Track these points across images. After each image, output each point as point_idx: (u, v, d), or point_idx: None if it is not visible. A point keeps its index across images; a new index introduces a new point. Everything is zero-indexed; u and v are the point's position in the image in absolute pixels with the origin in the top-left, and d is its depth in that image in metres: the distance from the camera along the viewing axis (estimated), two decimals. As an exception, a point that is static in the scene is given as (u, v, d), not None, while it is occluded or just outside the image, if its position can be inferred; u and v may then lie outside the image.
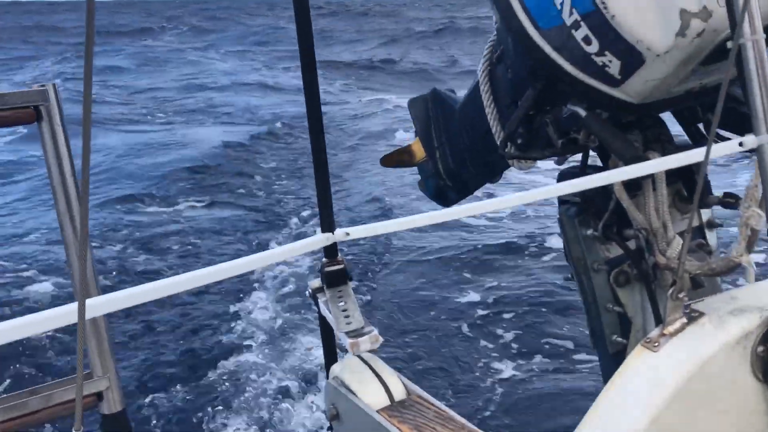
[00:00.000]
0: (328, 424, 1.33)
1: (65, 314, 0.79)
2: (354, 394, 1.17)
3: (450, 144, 2.40)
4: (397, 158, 2.71)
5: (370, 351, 1.27)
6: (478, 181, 2.46)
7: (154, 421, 3.93)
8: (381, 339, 1.22)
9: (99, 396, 1.17)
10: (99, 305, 0.78)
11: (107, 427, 1.21)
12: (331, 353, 1.47)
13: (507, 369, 4.39)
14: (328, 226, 1.31)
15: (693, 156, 1.28)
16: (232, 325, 5.21)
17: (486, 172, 2.37)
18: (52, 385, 1.18)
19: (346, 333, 1.25)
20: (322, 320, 1.43)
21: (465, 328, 4.96)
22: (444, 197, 2.55)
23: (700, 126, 1.80)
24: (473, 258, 6.00)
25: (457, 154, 2.38)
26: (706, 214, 1.89)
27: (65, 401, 1.16)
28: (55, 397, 1.16)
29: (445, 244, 6.28)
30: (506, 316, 5.05)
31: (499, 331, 4.88)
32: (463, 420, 1.08)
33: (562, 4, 1.47)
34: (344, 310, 1.32)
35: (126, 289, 0.87)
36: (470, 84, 2.17)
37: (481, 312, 5.14)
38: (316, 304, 1.42)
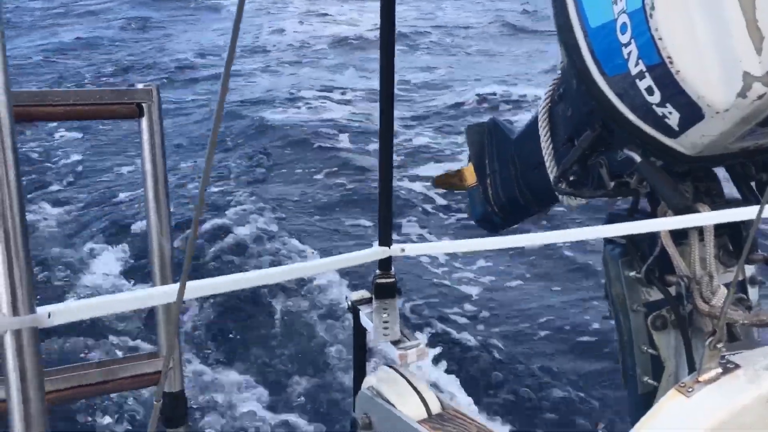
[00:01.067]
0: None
1: (161, 295, 0.88)
2: (392, 404, 1.21)
3: (502, 173, 2.47)
4: (449, 181, 2.79)
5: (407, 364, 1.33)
6: (526, 212, 2.52)
7: (209, 403, 4.21)
8: (428, 352, 1.28)
9: (161, 375, 1.26)
10: (193, 289, 0.87)
11: (166, 404, 1.30)
12: (362, 365, 1.51)
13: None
14: (385, 240, 1.38)
15: (744, 213, 1.33)
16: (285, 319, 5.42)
17: (535, 204, 2.42)
18: (116, 360, 1.28)
19: (393, 343, 1.31)
20: (357, 332, 1.48)
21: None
22: (490, 224, 2.61)
23: (753, 184, 1.84)
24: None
25: (507, 184, 2.44)
26: (749, 270, 1.92)
27: (128, 376, 1.25)
28: (117, 371, 1.25)
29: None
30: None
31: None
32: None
33: (629, 53, 1.54)
34: (385, 322, 1.38)
35: (208, 278, 0.96)
36: (530, 118, 2.24)
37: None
38: (355, 315, 1.46)
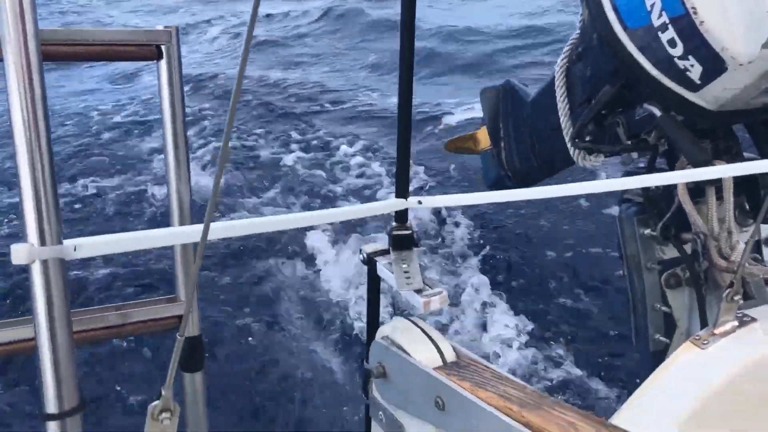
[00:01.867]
0: (362, 383, 1.37)
1: (186, 233, 0.88)
2: (407, 353, 1.21)
3: (516, 136, 2.45)
4: (462, 145, 2.77)
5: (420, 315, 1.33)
6: (539, 175, 2.51)
7: (225, 348, 4.29)
8: (448, 300, 1.28)
9: (179, 318, 1.27)
10: (217, 229, 0.87)
11: (183, 349, 1.31)
12: (375, 315, 1.51)
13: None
14: (402, 192, 1.38)
15: (762, 166, 1.32)
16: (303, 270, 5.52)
17: (548, 167, 2.41)
18: (135, 303, 1.28)
19: (416, 291, 1.30)
20: (372, 283, 1.47)
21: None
22: (503, 188, 2.60)
23: None
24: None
25: (521, 147, 2.42)
26: (765, 230, 1.91)
27: (147, 320, 1.26)
28: (136, 315, 1.26)
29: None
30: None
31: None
32: (522, 382, 1.13)
33: (652, 5, 1.51)
34: (406, 272, 1.38)
35: (232, 220, 0.96)
36: (546, 81, 2.21)
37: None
38: (371, 267, 1.45)
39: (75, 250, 0.83)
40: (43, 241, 0.81)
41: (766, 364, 1.30)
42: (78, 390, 0.84)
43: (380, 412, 1.29)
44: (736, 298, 1.35)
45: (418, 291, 1.31)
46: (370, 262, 1.42)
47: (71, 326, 0.84)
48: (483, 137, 2.62)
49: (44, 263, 0.81)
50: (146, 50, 1.14)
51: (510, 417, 1.00)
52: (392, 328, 1.27)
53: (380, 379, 1.27)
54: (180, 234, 0.91)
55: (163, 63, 1.16)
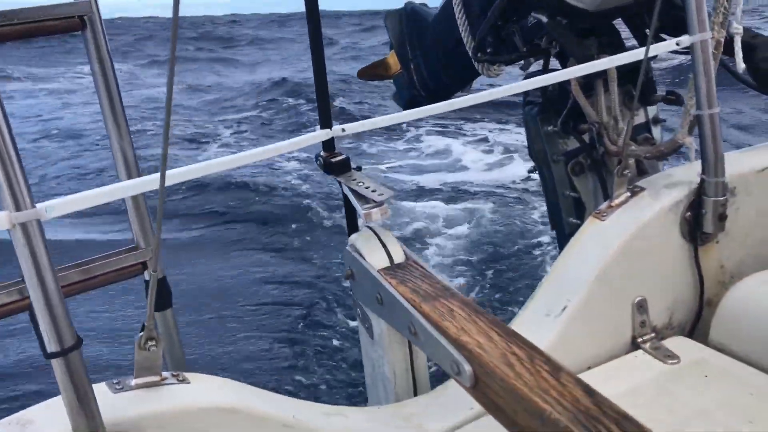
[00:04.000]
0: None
1: (145, 183, 1.00)
2: (363, 257, 1.39)
3: (424, 56, 2.58)
4: (373, 71, 2.89)
5: (383, 223, 1.47)
6: (450, 90, 2.66)
7: (192, 287, 4.45)
8: (389, 212, 1.43)
9: (143, 265, 1.39)
10: (173, 176, 0.99)
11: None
12: (353, 227, 1.66)
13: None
14: (326, 122, 1.51)
15: (636, 54, 1.51)
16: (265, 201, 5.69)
17: (457, 81, 2.56)
18: (98, 257, 1.39)
19: (362, 207, 1.45)
20: (346, 199, 1.61)
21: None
22: (417, 107, 2.75)
23: (648, 31, 2.02)
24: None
25: (430, 66, 2.56)
26: (652, 111, 2.14)
27: (113, 270, 1.37)
28: (100, 268, 1.37)
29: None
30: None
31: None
32: (441, 277, 1.32)
33: None
34: (368, 187, 1.51)
35: (183, 167, 1.09)
36: None
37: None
38: (341, 186, 1.58)
39: (47, 211, 0.95)
40: (17, 207, 0.92)
41: (652, 225, 1.52)
42: (72, 329, 0.97)
43: (358, 309, 1.48)
44: (625, 172, 1.56)
45: (375, 204, 1.43)
46: (340, 182, 1.55)
47: (57, 274, 0.96)
48: (393, 62, 2.74)
49: (23, 226, 0.92)
50: (70, 22, 1.21)
51: (413, 307, 1.20)
52: (357, 237, 1.44)
53: (351, 280, 1.46)
54: (140, 184, 1.03)
55: (89, 31, 1.24)
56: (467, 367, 1.04)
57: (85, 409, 0.99)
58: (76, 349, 0.98)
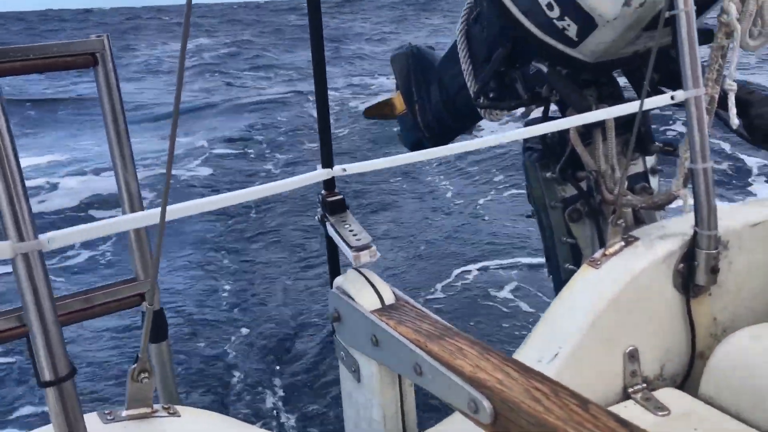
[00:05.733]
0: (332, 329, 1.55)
1: (145, 217, 1.03)
2: (353, 299, 1.39)
3: (429, 98, 2.64)
4: (379, 111, 2.95)
5: (369, 265, 1.50)
6: (453, 132, 2.71)
7: (188, 321, 4.50)
8: (378, 254, 1.45)
9: (142, 296, 1.41)
10: (173, 211, 1.02)
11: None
12: (335, 269, 1.68)
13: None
14: (327, 162, 1.54)
15: (632, 106, 1.54)
16: (256, 246, 5.75)
17: (460, 124, 2.61)
18: (97, 288, 1.41)
19: (350, 248, 1.47)
20: (329, 241, 1.64)
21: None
22: (421, 148, 2.79)
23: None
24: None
25: (434, 107, 2.62)
26: (650, 161, 2.17)
27: (112, 300, 1.40)
28: (98, 298, 1.39)
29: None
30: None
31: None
32: (437, 317, 1.33)
33: None
34: (351, 231, 1.54)
35: (184, 202, 1.12)
36: (450, 42, 2.40)
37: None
38: (324, 227, 1.61)
39: (48, 242, 0.97)
40: (20, 237, 0.94)
41: (645, 276, 1.54)
42: (67, 359, 0.99)
43: (341, 352, 1.48)
44: (619, 222, 1.59)
45: (357, 247, 1.47)
46: (323, 222, 1.57)
47: (55, 304, 0.98)
48: (398, 102, 2.80)
49: (25, 256, 0.94)
50: (83, 59, 1.26)
51: (418, 347, 1.21)
52: (344, 279, 1.45)
53: (337, 323, 1.46)
54: (140, 218, 1.05)
55: (100, 68, 1.28)
56: (486, 404, 1.04)
57: None
58: (70, 379, 0.99)
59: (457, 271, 5.07)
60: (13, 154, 0.93)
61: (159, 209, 1.01)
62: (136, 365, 1.11)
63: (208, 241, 5.82)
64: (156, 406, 1.18)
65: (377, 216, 6.26)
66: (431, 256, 5.38)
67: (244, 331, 4.43)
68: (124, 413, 1.14)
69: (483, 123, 2.60)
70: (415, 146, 2.82)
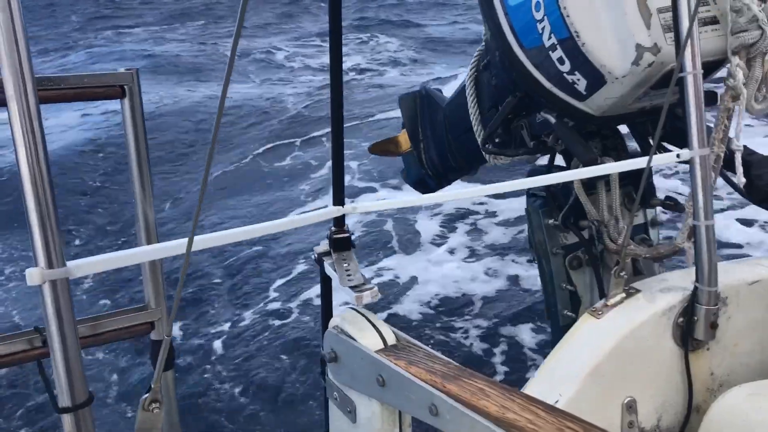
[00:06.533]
0: (320, 369, 1.55)
1: (172, 248, 1.06)
2: (353, 339, 1.38)
3: (434, 138, 2.69)
4: (385, 147, 2.99)
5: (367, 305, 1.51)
6: (457, 173, 2.76)
7: (197, 350, 4.58)
8: (380, 294, 1.47)
9: (152, 325, 1.43)
10: (199, 242, 1.05)
11: (155, 350, 1.47)
12: (329, 308, 1.69)
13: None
14: (339, 200, 1.57)
15: (638, 162, 1.59)
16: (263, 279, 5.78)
17: (465, 165, 2.66)
18: (106, 314, 1.43)
19: (351, 288, 1.50)
20: (324, 280, 1.65)
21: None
22: (424, 186, 2.84)
23: (650, 139, 2.12)
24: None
25: (439, 148, 2.66)
26: (650, 214, 2.22)
27: (124, 327, 1.42)
28: (108, 324, 1.41)
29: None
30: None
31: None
32: (447, 358, 1.34)
33: (543, 28, 1.77)
34: (347, 270, 1.57)
35: (209, 233, 1.14)
36: (458, 86, 2.46)
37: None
38: (321, 265, 1.64)
39: (76, 270, 0.99)
40: (50, 265, 0.96)
41: (645, 328, 1.57)
42: (86, 386, 1.00)
43: (335, 392, 1.48)
44: (622, 274, 1.62)
45: (357, 286, 1.50)
46: (320, 261, 1.59)
47: (77, 332, 1.00)
48: (404, 140, 2.85)
49: (53, 283, 0.97)
50: (112, 90, 1.29)
51: (434, 387, 1.21)
52: (341, 319, 1.45)
53: (333, 363, 1.45)
54: (166, 249, 1.08)
55: (126, 101, 1.32)
56: None
57: None
58: (88, 406, 1.01)
59: (451, 318, 5.09)
60: (48, 179, 0.95)
61: (184, 240, 1.03)
62: (147, 395, 1.12)
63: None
64: None
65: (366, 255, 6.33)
66: (423, 301, 5.41)
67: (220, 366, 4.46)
68: None
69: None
70: (418, 184, 2.86)
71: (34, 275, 0.95)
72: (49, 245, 0.96)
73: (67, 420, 0.99)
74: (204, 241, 1.11)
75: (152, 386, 1.13)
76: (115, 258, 1.05)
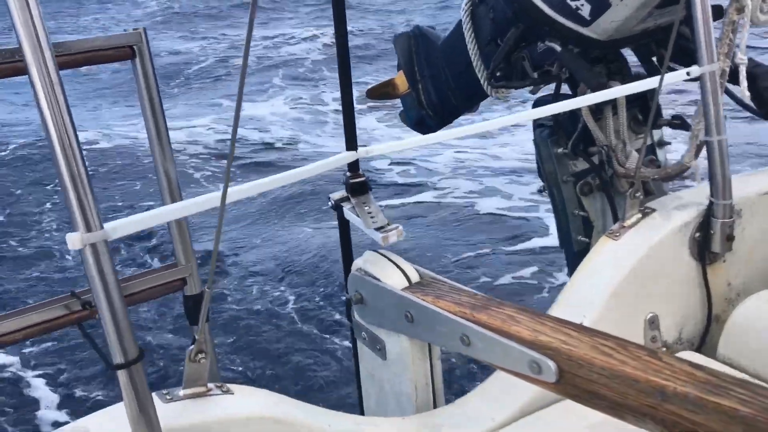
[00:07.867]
0: (346, 310, 1.58)
1: (206, 201, 1.07)
2: (378, 279, 1.42)
3: (432, 77, 2.66)
4: (382, 90, 2.97)
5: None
6: (458, 111, 2.74)
7: (228, 303, 4.70)
8: (404, 233, 1.50)
9: (183, 281, 1.46)
10: (233, 193, 1.06)
11: (188, 305, 1.50)
12: (348, 252, 1.71)
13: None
14: (351, 145, 1.58)
15: (648, 83, 1.59)
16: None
17: (465, 102, 2.64)
18: (139, 274, 1.46)
19: (377, 229, 1.51)
20: (342, 225, 1.67)
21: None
22: (425, 126, 2.83)
23: (654, 60, 2.12)
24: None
25: (438, 86, 2.64)
26: (657, 134, 2.23)
27: (155, 286, 1.44)
28: (139, 284, 1.44)
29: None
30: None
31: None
32: (473, 290, 1.38)
33: None
34: (370, 213, 1.58)
35: (242, 184, 1.15)
36: (454, 22, 2.43)
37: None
38: (339, 212, 1.65)
39: (114, 231, 1.01)
40: (88, 228, 0.98)
41: (663, 245, 1.61)
42: (136, 342, 1.04)
43: (363, 333, 1.52)
44: (637, 194, 1.65)
45: (382, 227, 1.52)
46: (337, 207, 1.60)
47: (121, 291, 1.02)
48: (401, 81, 2.82)
49: (93, 246, 0.98)
50: (122, 51, 1.29)
51: (464, 318, 1.24)
52: (364, 261, 1.47)
53: (359, 304, 1.48)
54: (201, 202, 1.08)
55: (138, 60, 1.32)
56: (551, 364, 1.07)
57: (145, 419, 1.05)
58: (140, 361, 1.04)
59: (472, 254, 5.16)
60: (77, 145, 0.96)
61: (218, 193, 1.04)
62: (193, 346, 1.15)
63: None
64: (210, 385, 1.23)
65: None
66: (441, 239, 5.45)
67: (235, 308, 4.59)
68: (182, 393, 1.19)
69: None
70: (417, 125, 2.84)
71: (74, 240, 0.96)
72: (85, 210, 0.97)
73: (121, 376, 1.02)
74: (237, 192, 1.12)
75: (196, 338, 1.16)
76: (150, 216, 1.07)
